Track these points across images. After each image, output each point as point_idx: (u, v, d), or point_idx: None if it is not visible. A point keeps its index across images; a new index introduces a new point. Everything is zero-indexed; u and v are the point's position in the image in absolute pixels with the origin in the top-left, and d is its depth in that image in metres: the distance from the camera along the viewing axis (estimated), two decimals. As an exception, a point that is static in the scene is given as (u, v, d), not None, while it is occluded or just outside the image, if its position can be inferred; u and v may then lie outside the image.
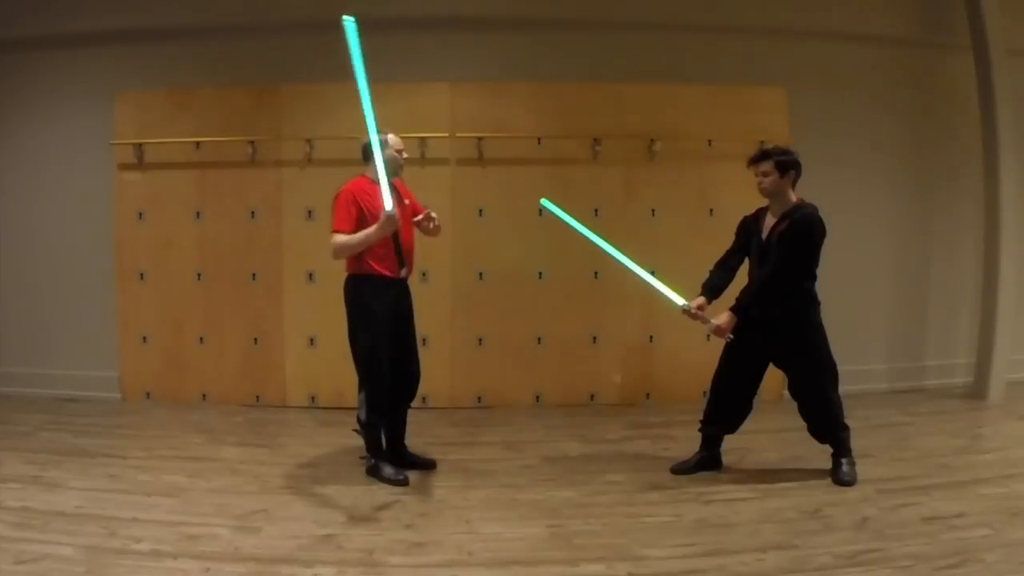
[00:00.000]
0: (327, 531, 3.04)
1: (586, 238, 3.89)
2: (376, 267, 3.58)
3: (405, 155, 3.76)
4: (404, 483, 3.61)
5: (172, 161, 5.24)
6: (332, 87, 5.21)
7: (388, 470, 3.66)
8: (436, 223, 3.69)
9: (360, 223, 3.51)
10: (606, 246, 3.85)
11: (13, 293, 5.54)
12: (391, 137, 3.68)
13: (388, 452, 3.77)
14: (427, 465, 3.87)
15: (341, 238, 3.48)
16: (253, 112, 5.21)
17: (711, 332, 3.59)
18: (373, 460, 3.71)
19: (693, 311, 3.61)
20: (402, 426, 3.86)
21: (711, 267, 3.81)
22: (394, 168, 3.63)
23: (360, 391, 3.65)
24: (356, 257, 3.57)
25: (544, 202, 4.03)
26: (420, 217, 3.69)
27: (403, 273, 3.69)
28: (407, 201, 3.76)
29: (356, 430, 3.74)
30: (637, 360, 5.34)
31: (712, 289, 3.72)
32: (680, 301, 3.63)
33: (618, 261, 3.82)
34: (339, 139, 5.13)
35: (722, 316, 3.53)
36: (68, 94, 5.40)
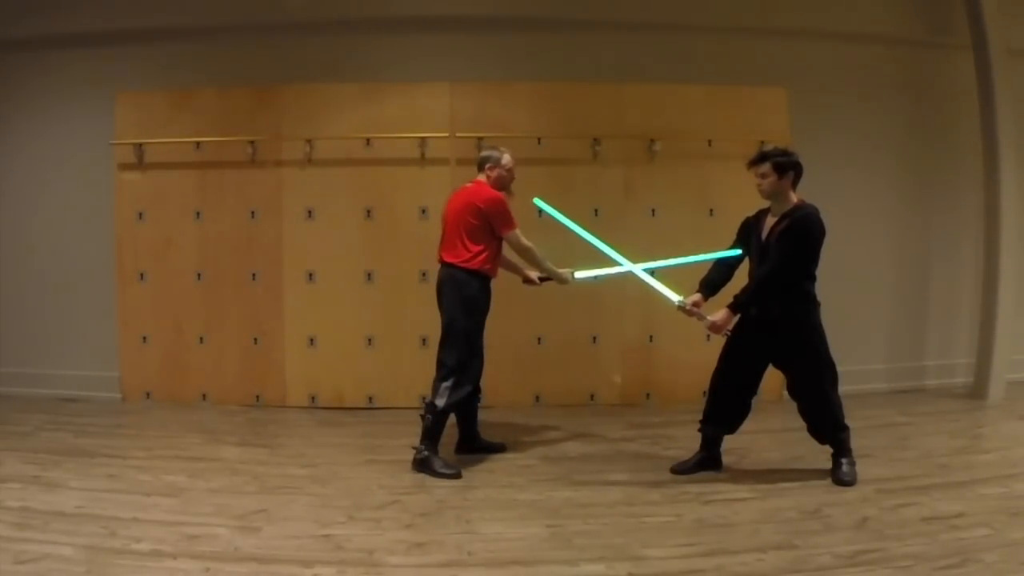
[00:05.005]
0: (327, 531, 3.04)
1: (582, 237, 3.90)
2: (490, 267, 3.90)
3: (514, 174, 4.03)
4: (457, 476, 3.67)
5: (172, 161, 5.24)
6: (332, 87, 5.23)
7: (440, 463, 3.72)
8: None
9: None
10: (599, 244, 3.87)
11: (13, 293, 5.55)
12: (506, 156, 3.98)
13: (462, 436, 4.10)
14: (498, 448, 4.14)
15: (528, 241, 3.89)
16: (253, 112, 5.21)
17: (707, 328, 3.59)
18: (426, 452, 3.74)
19: (688, 307, 3.61)
20: (476, 414, 4.13)
21: (710, 266, 3.81)
22: (504, 185, 3.97)
23: (446, 379, 3.74)
24: (482, 256, 3.83)
25: (537, 201, 4.03)
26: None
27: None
28: None
29: (424, 416, 3.75)
30: (637, 360, 5.34)
31: (709, 286, 3.72)
32: (675, 297, 3.64)
33: (613, 260, 3.83)
34: (339, 139, 5.15)
35: (719, 313, 3.53)
36: (68, 94, 5.40)
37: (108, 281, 5.36)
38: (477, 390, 4.08)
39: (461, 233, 3.81)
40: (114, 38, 5.29)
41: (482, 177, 3.94)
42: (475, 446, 4.11)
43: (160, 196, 5.29)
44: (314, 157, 5.18)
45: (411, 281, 5.12)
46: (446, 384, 3.73)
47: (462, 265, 3.81)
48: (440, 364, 3.79)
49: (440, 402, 3.70)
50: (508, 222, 3.82)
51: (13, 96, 5.45)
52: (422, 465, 3.74)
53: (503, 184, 3.94)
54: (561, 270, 4.03)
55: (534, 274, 4.11)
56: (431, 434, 3.74)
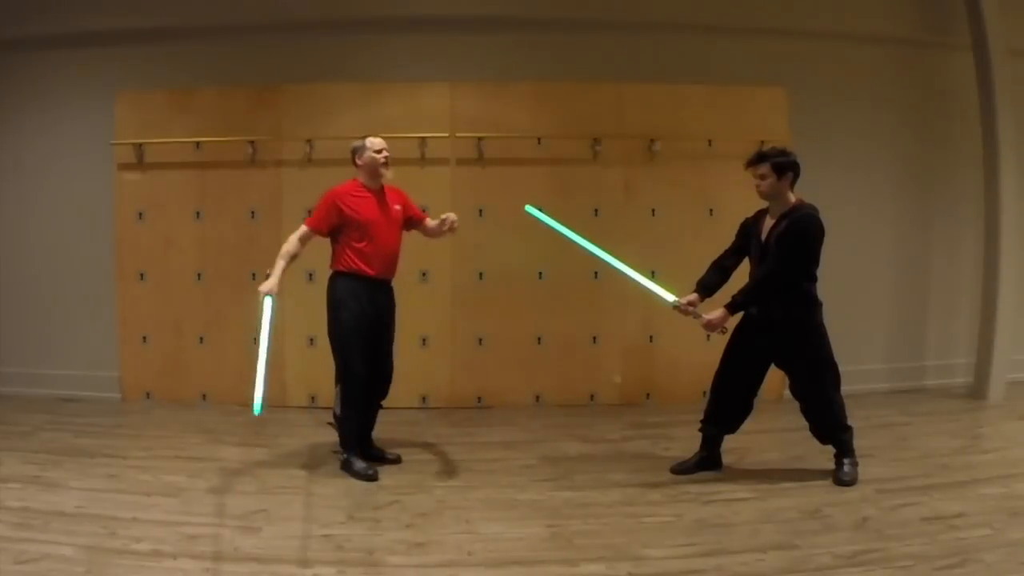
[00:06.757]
0: (327, 531, 3.04)
1: (577, 243, 3.89)
2: (359, 265, 3.69)
3: (386, 155, 3.74)
4: (373, 478, 3.66)
5: (172, 161, 5.24)
6: (332, 87, 5.23)
7: (359, 465, 3.72)
8: (453, 225, 3.81)
9: (339, 225, 3.68)
10: (592, 248, 3.86)
11: (13, 293, 5.54)
12: (369, 140, 3.75)
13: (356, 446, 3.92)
14: (392, 460, 3.95)
15: (296, 237, 3.68)
16: (253, 112, 5.21)
17: (702, 326, 3.59)
18: (344, 455, 3.77)
19: (683, 306, 3.62)
20: (372, 422, 3.97)
21: (707, 267, 3.81)
22: (373, 171, 3.72)
23: (337, 384, 3.74)
24: (340, 255, 3.72)
25: (529, 208, 3.99)
26: (436, 224, 3.84)
27: (384, 275, 3.78)
28: (397, 207, 3.84)
29: (331, 423, 3.81)
30: (637, 360, 5.34)
31: (705, 286, 3.72)
32: (670, 297, 3.65)
33: (606, 261, 3.83)
34: (339, 139, 5.13)
35: (715, 311, 3.53)
36: (68, 94, 5.40)
37: (108, 281, 5.36)
38: (378, 395, 3.92)
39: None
40: (114, 38, 5.29)
41: (358, 174, 3.77)
42: (369, 455, 3.87)
43: (160, 196, 5.29)
44: (314, 157, 5.17)
45: (411, 281, 5.11)
46: (337, 390, 3.74)
47: (333, 269, 3.76)
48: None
49: (337, 409, 3.75)
50: (312, 215, 3.72)
51: (13, 96, 5.45)
52: (344, 467, 3.78)
53: (373, 168, 3.70)
54: (269, 285, 3.55)
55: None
56: (342, 438, 3.79)
